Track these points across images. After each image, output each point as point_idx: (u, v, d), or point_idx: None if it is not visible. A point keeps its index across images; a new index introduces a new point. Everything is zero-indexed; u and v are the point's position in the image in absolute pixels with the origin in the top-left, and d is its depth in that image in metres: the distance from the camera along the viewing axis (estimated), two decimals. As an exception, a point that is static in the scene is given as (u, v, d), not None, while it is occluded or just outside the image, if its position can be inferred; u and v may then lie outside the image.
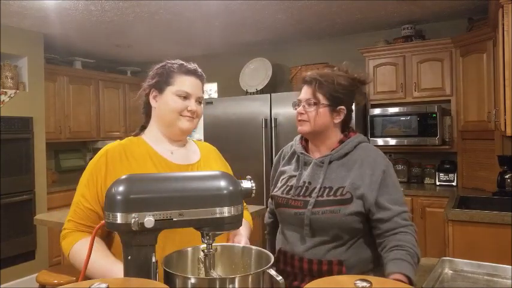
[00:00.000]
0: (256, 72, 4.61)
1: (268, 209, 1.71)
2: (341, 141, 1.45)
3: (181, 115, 1.29)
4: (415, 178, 4.01)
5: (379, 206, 1.34)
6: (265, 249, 1.65)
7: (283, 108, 3.88)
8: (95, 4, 3.27)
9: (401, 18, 3.87)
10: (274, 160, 1.65)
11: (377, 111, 3.92)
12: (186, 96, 1.29)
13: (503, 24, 2.51)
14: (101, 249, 1.17)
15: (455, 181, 3.76)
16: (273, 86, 4.61)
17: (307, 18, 3.80)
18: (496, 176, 3.16)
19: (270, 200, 1.66)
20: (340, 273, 1.32)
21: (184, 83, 1.30)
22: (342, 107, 1.42)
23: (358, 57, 4.04)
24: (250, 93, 4.50)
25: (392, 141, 3.85)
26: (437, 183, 3.84)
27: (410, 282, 1.23)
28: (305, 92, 1.44)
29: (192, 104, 1.30)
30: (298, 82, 1.54)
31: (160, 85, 1.30)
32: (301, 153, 1.49)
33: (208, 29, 4.07)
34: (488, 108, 3.27)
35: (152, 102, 1.32)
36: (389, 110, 3.86)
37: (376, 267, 1.39)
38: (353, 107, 1.50)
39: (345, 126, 1.48)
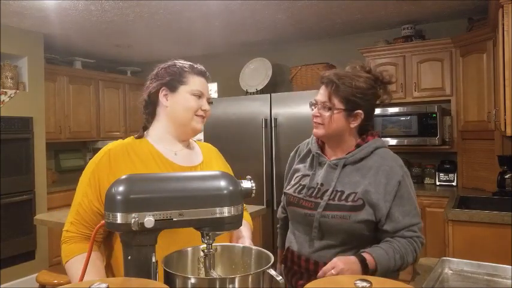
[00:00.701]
0: (256, 72, 4.61)
1: (281, 203, 1.68)
2: (358, 145, 1.41)
3: (195, 115, 1.29)
4: (415, 178, 4.00)
5: (390, 217, 1.32)
6: (276, 243, 1.66)
7: (283, 108, 3.88)
8: (95, 4, 3.27)
9: (401, 18, 3.87)
10: (290, 156, 1.63)
11: (377, 111, 3.86)
12: (200, 96, 1.30)
13: (503, 24, 2.51)
14: (93, 270, 1.14)
15: (455, 181, 3.76)
16: (273, 86, 4.61)
17: (307, 18, 3.79)
18: (496, 176, 3.16)
19: (283, 195, 1.64)
20: None
21: (196, 82, 1.30)
22: (359, 111, 1.37)
23: (358, 57, 4.03)
24: (250, 93, 4.50)
25: (392, 141, 3.84)
26: (437, 183, 3.84)
27: (375, 268, 1.23)
28: (321, 94, 1.40)
29: (205, 104, 1.31)
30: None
31: (173, 84, 1.28)
32: (317, 153, 1.47)
33: (208, 29, 4.07)
34: (488, 108, 3.27)
35: (163, 100, 1.29)
36: (389, 110, 3.86)
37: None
38: (375, 108, 1.45)
39: (363, 130, 1.44)
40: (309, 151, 1.52)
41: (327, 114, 1.36)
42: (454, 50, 3.63)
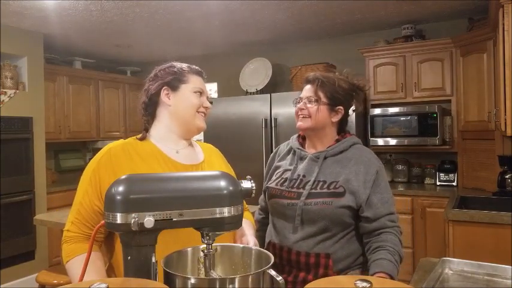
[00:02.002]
0: (256, 72, 4.61)
1: (259, 205, 1.74)
2: (337, 141, 1.51)
3: (197, 112, 1.32)
4: (415, 178, 4.01)
5: (370, 204, 1.38)
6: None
7: (283, 108, 3.88)
8: (95, 4, 3.27)
9: (401, 18, 3.87)
10: (270, 156, 1.69)
11: (377, 111, 3.91)
12: (201, 93, 1.33)
13: (503, 24, 2.51)
14: (93, 270, 1.14)
15: (455, 181, 3.76)
16: (273, 86, 4.61)
17: (307, 18, 3.79)
18: (496, 176, 3.16)
19: (261, 196, 1.68)
20: (326, 266, 1.36)
21: (196, 81, 1.34)
22: (340, 107, 1.48)
23: (358, 57, 4.04)
24: (250, 93, 4.50)
25: (392, 141, 3.85)
26: (438, 183, 3.84)
27: (392, 278, 1.29)
28: (307, 90, 1.49)
29: (205, 101, 1.35)
30: (300, 82, 1.58)
31: (175, 83, 1.31)
32: (298, 148, 1.54)
33: (208, 28, 4.07)
34: (488, 108, 3.27)
35: (165, 99, 1.31)
36: (389, 110, 3.86)
37: (364, 263, 1.43)
38: (350, 111, 1.56)
39: (340, 127, 1.54)
40: (289, 150, 1.60)
41: (313, 106, 1.46)
42: (454, 50, 3.63)
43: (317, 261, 1.37)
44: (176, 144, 1.33)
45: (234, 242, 1.33)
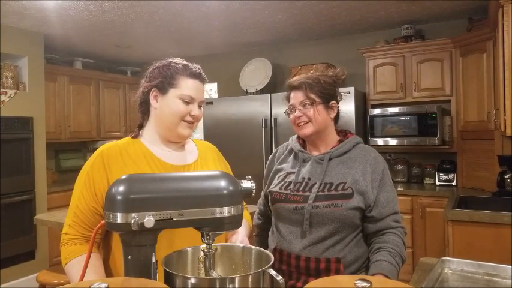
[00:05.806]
0: (256, 72, 4.61)
1: (257, 210, 1.71)
2: (340, 141, 1.49)
3: (183, 120, 1.26)
4: (415, 178, 4.01)
5: (376, 203, 1.38)
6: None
7: (283, 108, 3.84)
8: (95, 4, 3.27)
9: (401, 18, 3.87)
10: (268, 160, 1.65)
11: (377, 111, 3.92)
12: (189, 101, 1.26)
13: (503, 24, 2.51)
14: (92, 270, 1.14)
15: (455, 181, 3.76)
16: (273, 86, 4.61)
17: (307, 18, 3.80)
18: (495, 176, 3.16)
19: (260, 200, 1.66)
20: (338, 270, 1.34)
21: (188, 86, 1.25)
22: (333, 101, 1.48)
23: (358, 57, 4.05)
24: (250, 93, 4.50)
25: (392, 141, 3.85)
26: (437, 183, 3.84)
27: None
28: (297, 97, 1.47)
29: (195, 109, 1.27)
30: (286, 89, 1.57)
31: (164, 86, 1.25)
32: (300, 150, 1.51)
33: (208, 29, 4.07)
34: (488, 108, 3.27)
35: (153, 102, 1.28)
36: (389, 110, 3.86)
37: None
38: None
39: (336, 122, 1.54)
40: (290, 152, 1.57)
41: (310, 109, 1.44)
42: (454, 50, 3.63)
43: (327, 266, 1.34)
44: (167, 145, 1.31)
45: (226, 240, 1.32)
